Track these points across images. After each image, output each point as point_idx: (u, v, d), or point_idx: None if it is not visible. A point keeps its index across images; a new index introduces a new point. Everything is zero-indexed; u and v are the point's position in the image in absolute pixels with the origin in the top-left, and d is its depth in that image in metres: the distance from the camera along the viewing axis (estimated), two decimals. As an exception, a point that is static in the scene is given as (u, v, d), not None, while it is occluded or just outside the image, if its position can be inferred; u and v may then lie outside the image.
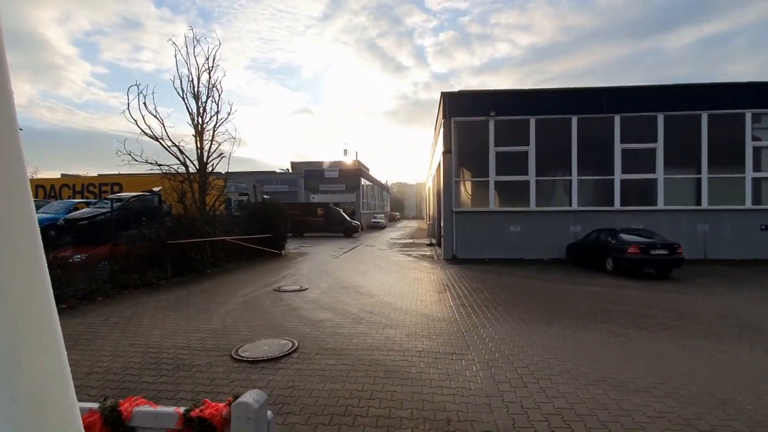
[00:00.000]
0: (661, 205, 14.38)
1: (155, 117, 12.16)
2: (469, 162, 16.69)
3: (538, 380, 4.12)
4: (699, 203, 14.47)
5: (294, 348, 5.07)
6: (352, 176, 42.24)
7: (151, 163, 12.16)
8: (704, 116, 14.30)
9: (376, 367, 4.48)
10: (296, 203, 31.11)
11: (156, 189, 12.89)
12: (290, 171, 52.57)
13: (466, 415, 3.45)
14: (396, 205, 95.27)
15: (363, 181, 43.00)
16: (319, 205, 29.32)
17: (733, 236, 14.10)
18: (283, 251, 15.68)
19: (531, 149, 14.58)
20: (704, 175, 14.38)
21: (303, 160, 61.12)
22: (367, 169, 57.71)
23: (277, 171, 50.21)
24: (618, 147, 14.50)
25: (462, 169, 16.85)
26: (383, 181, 73.06)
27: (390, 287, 9.29)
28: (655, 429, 3.18)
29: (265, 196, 17.53)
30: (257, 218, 14.67)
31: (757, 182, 14.56)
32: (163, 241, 9.96)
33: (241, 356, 4.81)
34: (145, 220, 10.37)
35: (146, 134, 11.98)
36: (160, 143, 12.33)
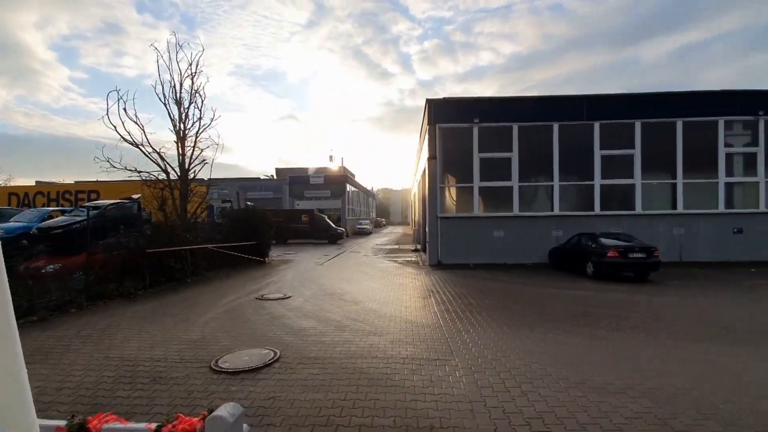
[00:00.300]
0: (639, 209, 14.78)
1: (135, 123, 11.95)
2: (454, 168, 16.87)
3: (520, 384, 4.15)
4: (675, 207, 14.94)
5: (276, 358, 4.99)
6: (337, 182, 42.12)
7: (130, 170, 11.90)
8: (679, 123, 14.81)
9: (359, 376, 4.44)
10: (280, 210, 30.81)
11: (135, 196, 12.60)
12: (275, 177, 52.10)
13: (448, 421, 3.44)
14: (382, 211, 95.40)
15: (348, 188, 42.93)
16: (303, 212, 29.09)
17: (707, 239, 14.57)
18: (266, 259, 15.48)
19: (514, 155, 14.82)
20: (679, 180, 14.86)
21: (288, 167, 60.81)
22: (353, 176, 57.69)
23: (262, 177, 49.67)
24: (597, 153, 14.88)
25: (447, 175, 17.02)
26: (369, 187, 73.10)
27: (375, 294, 9.26)
28: (632, 429, 3.23)
29: (249, 203, 17.32)
30: (240, 225, 14.47)
31: (729, 187, 15.14)
32: (142, 250, 9.71)
33: (220, 367, 4.70)
34: (123, 228, 10.11)
35: (126, 140, 11.74)
36: (140, 149, 12.08)
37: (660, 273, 11.30)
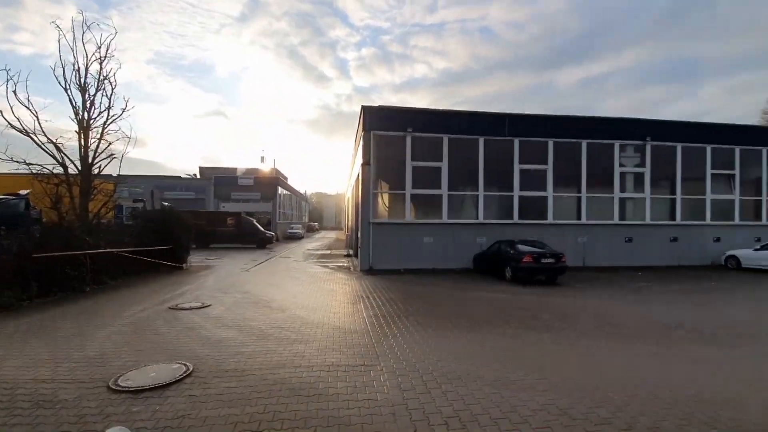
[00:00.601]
0: (550, 219, 16.35)
1: (27, 108, 10.35)
2: (387, 175, 17.18)
3: (440, 385, 4.28)
4: (580, 218, 16.78)
5: (188, 372, 4.58)
6: (268, 185, 40.46)
7: (18, 162, 10.26)
8: (584, 144, 16.71)
9: (280, 386, 4.24)
10: (202, 211, 28.73)
11: (23, 192, 10.88)
12: (198, 177, 48.52)
13: (370, 426, 3.43)
14: (315, 215, 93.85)
15: (280, 190, 41.51)
16: (229, 215, 27.42)
17: (605, 246, 16.60)
18: (185, 264, 14.28)
19: (444, 165, 15.52)
20: (583, 194, 16.74)
21: (214, 166, 56.88)
22: (286, 178, 55.91)
23: (183, 176, 45.92)
24: (517, 167, 16.18)
25: (380, 181, 17.26)
26: (302, 191, 71.53)
27: (303, 300, 9.00)
28: (537, 420, 3.50)
29: (165, 203, 15.86)
30: (154, 227, 13.16)
31: (622, 201, 17.40)
32: (28, 254, 8.37)
33: (121, 386, 4.18)
34: (4, 228, 8.63)
35: (14, 127, 10.11)
36: (32, 139, 10.49)
37: (567, 276, 12.57)
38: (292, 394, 4.05)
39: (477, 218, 15.99)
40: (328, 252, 24.48)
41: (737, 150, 17.97)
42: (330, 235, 53.56)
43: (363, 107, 15.68)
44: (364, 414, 3.65)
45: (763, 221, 18.40)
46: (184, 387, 4.21)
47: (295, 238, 39.39)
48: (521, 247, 12.11)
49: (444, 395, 4.04)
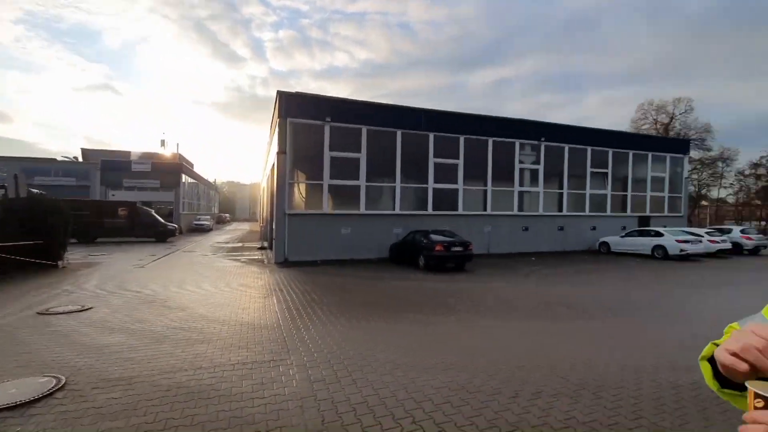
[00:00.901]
0: (461, 210, 17.51)
1: None
2: (304, 164, 16.70)
3: (351, 373, 4.31)
4: (485, 209, 18.27)
5: (59, 385, 3.93)
6: (170, 171, 36.38)
7: None
8: (490, 141, 18.13)
9: (176, 391, 3.86)
10: (86, 200, 24.90)
11: None
12: (80, 160, 41.82)
13: (276, 422, 3.30)
14: (227, 206, 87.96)
15: (185, 178, 37.76)
16: (121, 204, 24.17)
17: (507, 235, 18.33)
18: (60, 262, 12.21)
19: (362, 156, 15.58)
20: (489, 187, 18.23)
21: (101, 148, 49.58)
22: (191, 165, 51.13)
23: (60, 159, 39.18)
24: (432, 161, 16.95)
25: (297, 171, 16.71)
26: (211, 179, 66.31)
27: (208, 297, 8.35)
28: (439, 397, 3.71)
29: (34, 191, 13.33)
30: (18, 219, 11.00)
31: (521, 194, 19.33)
32: None
33: (-40, 411, 3.42)
34: None
35: None
36: None
37: (474, 263, 13.61)
38: (190, 398, 3.72)
39: (394, 209, 16.43)
40: (240, 245, 23.09)
41: (610, 152, 21.16)
42: (243, 227, 50.56)
43: (279, 93, 14.96)
44: (270, 411, 3.50)
45: (628, 213, 22.03)
46: (55, 402, 3.61)
47: (202, 230, 36.32)
48: (434, 237, 12.77)
49: (354, 383, 4.06)
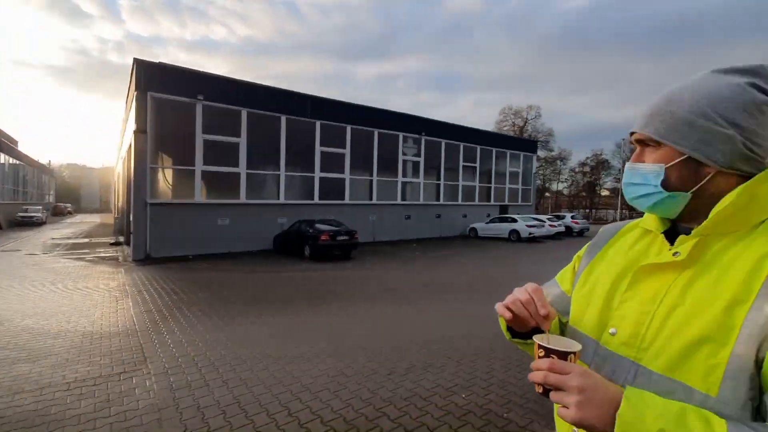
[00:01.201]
0: (347, 199, 17.71)
1: None
2: (171, 147, 14.71)
3: (222, 374, 3.96)
4: (371, 199, 18.84)
5: None
6: (-18, 150, 28.26)
7: None
8: (376, 133, 18.67)
9: (-23, 427, 3.01)
10: None
11: None
12: None
13: (123, 444, 2.83)
14: (68, 193, 73.12)
15: (3, 158, 29.79)
16: None
17: (391, 224, 19.24)
18: None
19: (242, 141, 14.45)
20: (375, 177, 18.84)
21: None
22: (14, 143, 40.39)
23: None
24: (318, 149, 16.68)
25: (161, 154, 14.63)
26: (45, 162, 54.07)
27: (36, 306, 6.77)
28: (317, 385, 3.68)
29: None
30: None
31: (404, 185, 20.46)
32: None
33: None
34: None
35: None
36: None
37: (360, 251, 13.95)
38: (3, 431, 2.94)
39: (279, 199, 15.74)
40: (86, 241, 19.34)
41: (478, 148, 23.88)
42: (91, 219, 42.24)
43: (136, 61, 12.79)
44: (116, 430, 2.99)
45: (492, 202, 25.27)
46: None
47: (32, 224, 29.18)
48: (319, 226, 12.66)
49: (225, 384, 3.75)
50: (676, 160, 0.72)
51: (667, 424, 0.57)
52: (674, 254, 0.71)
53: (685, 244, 0.71)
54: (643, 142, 0.78)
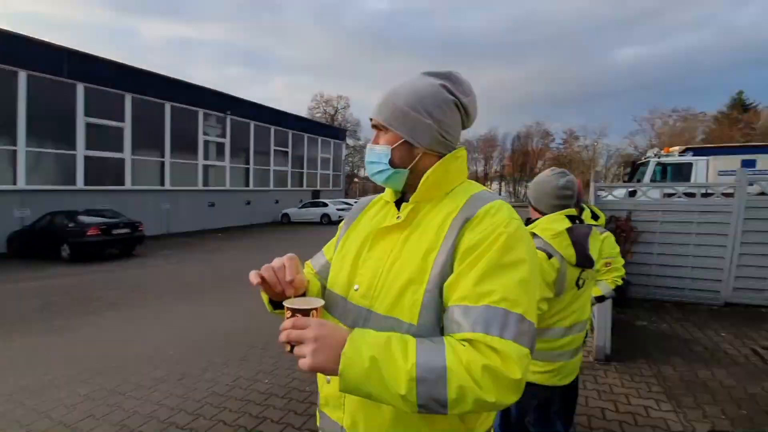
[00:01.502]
0: (129, 185, 14.60)
1: None
2: None
3: None
4: (163, 184, 16.10)
5: None
6: None
7: None
8: (167, 106, 15.93)
9: None
10: None
11: None
12: None
13: None
14: None
15: None
16: None
17: (189, 212, 16.90)
18: None
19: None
20: (167, 159, 16.16)
21: None
22: None
23: None
24: (82, 120, 13.06)
25: None
26: None
27: None
28: (79, 412, 2.90)
29: None
30: None
31: (206, 168, 18.32)
32: None
33: None
34: None
35: None
36: None
37: (149, 245, 11.79)
38: None
39: (15, 183, 11.57)
40: None
41: (290, 133, 23.63)
42: None
43: None
44: None
45: (304, 187, 25.59)
46: None
47: None
48: (84, 219, 9.95)
49: None
50: (398, 143, 0.86)
51: (377, 351, 0.67)
52: (397, 218, 0.87)
53: (404, 210, 0.86)
54: (377, 127, 0.90)
